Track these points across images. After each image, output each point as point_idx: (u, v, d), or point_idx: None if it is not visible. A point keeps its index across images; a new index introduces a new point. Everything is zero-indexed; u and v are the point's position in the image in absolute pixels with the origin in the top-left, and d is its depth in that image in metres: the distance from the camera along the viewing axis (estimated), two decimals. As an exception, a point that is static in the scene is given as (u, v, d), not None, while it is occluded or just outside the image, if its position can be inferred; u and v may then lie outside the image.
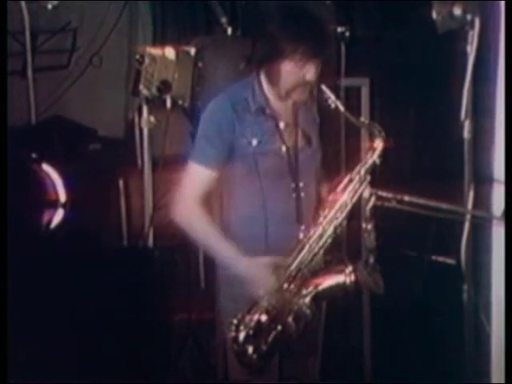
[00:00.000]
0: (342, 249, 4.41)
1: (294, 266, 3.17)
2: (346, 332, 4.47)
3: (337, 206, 3.19)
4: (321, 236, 3.20)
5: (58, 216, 4.24)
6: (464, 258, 3.97)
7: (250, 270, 3.17)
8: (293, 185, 3.23)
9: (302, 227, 3.21)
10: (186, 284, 4.00)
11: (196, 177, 3.21)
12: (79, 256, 4.08)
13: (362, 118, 3.19)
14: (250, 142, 3.19)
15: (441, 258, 4.17)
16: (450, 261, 4.08)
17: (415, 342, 4.29)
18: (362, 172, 3.17)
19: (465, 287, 4.00)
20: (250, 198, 3.24)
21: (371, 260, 3.15)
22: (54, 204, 4.24)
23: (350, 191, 3.18)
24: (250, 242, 3.22)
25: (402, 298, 4.20)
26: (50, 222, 4.22)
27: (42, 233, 4.19)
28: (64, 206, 4.24)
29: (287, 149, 3.23)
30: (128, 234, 4.57)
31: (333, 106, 3.16)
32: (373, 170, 4.35)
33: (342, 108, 3.15)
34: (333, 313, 3.47)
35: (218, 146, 3.19)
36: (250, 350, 3.17)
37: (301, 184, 3.24)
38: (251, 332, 3.17)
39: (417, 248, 4.27)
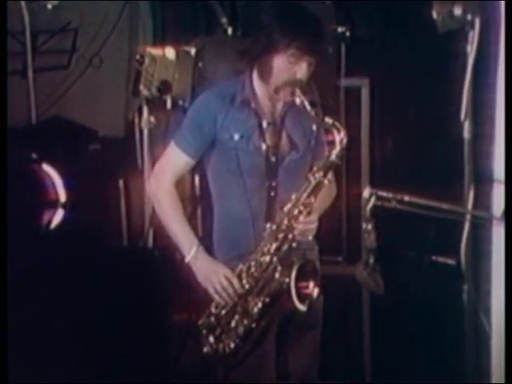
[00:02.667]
0: (342, 249, 4.44)
1: (252, 263, 3.21)
2: (346, 332, 4.46)
3: (295, 205, 3.18)
4: (276, 236, 3.19)
5: (58, 216, 4.24)
6: (464, 258, 3.98)
7: (198, 267, 3.26)
8: (267, 184, 3.25)
9: (268, 225, 3.21)
10: (186, 284, 3.98)
11: (173, 157, 3.30)
12: (79, 256, 4.08)
13: (326, 118, 3.17)
14: (231, 137, 3.22)
15: (441, 258, 4.17)
16: (450, 261, 4.09)
17: (415, 342, 4.28)
18: (320, 171, 3.16)
19: (465, 287, 4.01)
20: (234, 195, 3.26)
21: (371, 260, 3.15)
22: (54, 204, 4.24)
23: (308, 190, 3.18)
24: (239, 241, 3.26)
25: (402, 298, 4.20)
26: (50, 221, 4.22)
27: (42, 233, 4.19)
28: (64, 206, 4.24)
29: (267, 148, 3.24)
30: (128, 233, 4.56)
31: (298, 101, 3.14)
32: (373, 170, 4.41)
33: (308, 106, 3.14)
34: (332, 312, 3.48)
35: (198, 137, 3.25)
36: (221, 347, 3.24)
37: (273, 184, 3.25)
38: (217, 331, 3.25)
39: (417, 248, 4.27)
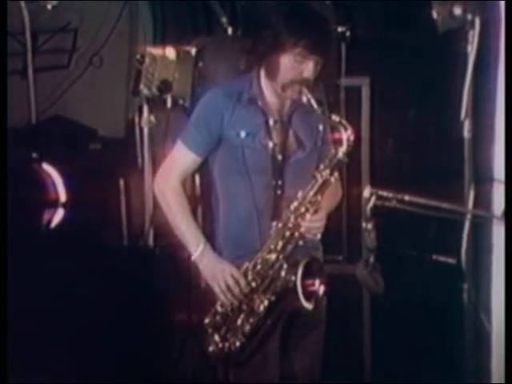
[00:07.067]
0: (342, 248, 4.44)
1: (257, 263, 3.21)
2: (346, 332, 4.46)
3: (302, 203, 3.18)
4: (283, 234, 3.20)
5: (58, 215, 4.24)
6: (464, 258, 3.98)
7: (205, 265, 3.25)
8: (273, 182, 3.25)
9: (274, 223, 3.21)
10: (186, 284, 3.99)
11: (180, 156, 3.30)
12: (79, 255, 4.08)
13: (333, 116, 3.18)
14: (238, 134, 3.22)
15: (441, 258, 4.17)
16: (450, 261, 4.09)
17: (415, 341, 4.29)
18: (326, 169, 3.16)
19: (465, 287, 4.01)
20: (240, 193, 3.26)
21: (371, 260, 3.15)
22: (54, 203, 4.24)
23: (315, 188, 3.18)
24: (244, 239, 3.26)
25: (402, 298, 4.20)
26: (50, 221, 4.22)
27: (42, 232, 4.19)
28: (64, 205, 4.25)
29: (274, 146, 3.24)
30: (128, 233, 4.56)
31: (304, 100, 3.14)
32: (373, 170, 4.41)
33: (314, 104, 3.14)
34: (332, 312, 3.48)
35: (205, 134, 3.25)
36: (226, 346, 3.23)
37: (279, 182, 3.25)
38: (222, 329, 3.23)
39: (417, 248, 4.27)
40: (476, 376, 3.98)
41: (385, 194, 3.12)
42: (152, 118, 4.31)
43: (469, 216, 3.83)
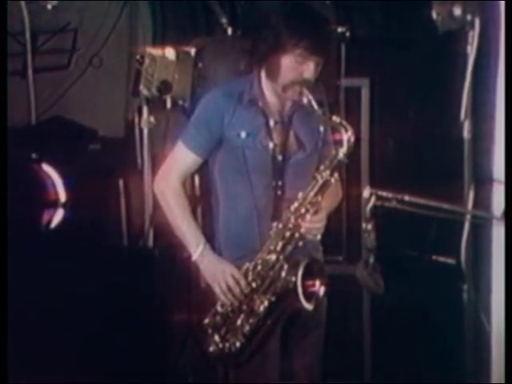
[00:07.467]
0: (342, 249, 4.44)
1: (258, 263, 3.21)
2: (346, 332, 4.46)
3: (302, 204, 3.18)
4: (283, 234, 3.20)
5: (58, 216, 4.24)
6: (464, 258, 3.98)
7: (205, 266, 3.24)
8: (273, 182, 3.25)
9: (274, 224, 3.21)
10: (186, 284, 4.00)
11: (181, 156, 3.30)
12: (79, 256, 4.09)
13: (334, 117, 3.18)
14: (238, 135, 3.22)
15: (441, 258, 4.17)
16: (450, 261, 4.09)
17: (415, 342, 4.29)
18: (327, 170, 3.16)
19: (465, 287, 4.02)
20: (240, 194, 3.25)
21: (371, 260, 3.15)
22: (54, 204, 4.24)
23: (315, 189, 3.18)
24: (244, 240, 3.26)
25: (402, 298, 4.20)
26: (50, 221, 4.22)
27: (41, 232, 4.19)
28: (64, 205, 4.24)
29: (274, 146, 3.25)
30: (128, 233, 4.56)
31: (305, 101, 3.15)
32: (373, 170, 4.42)
33: (315, 105, 3.14)
34: (332, 312, 3.48)
35: (206, 135, 3.25)
36: (227, 346, 3.22)
37: (280, 183, 3.25)
38: (222, 330, 3.22)
39: (417, 248, 4.28)
40: (476, 376, 3.98)
41: (384, 194, 3.12)
42: (152, 118, 4.31)
43: (468, 216, 3.83)
